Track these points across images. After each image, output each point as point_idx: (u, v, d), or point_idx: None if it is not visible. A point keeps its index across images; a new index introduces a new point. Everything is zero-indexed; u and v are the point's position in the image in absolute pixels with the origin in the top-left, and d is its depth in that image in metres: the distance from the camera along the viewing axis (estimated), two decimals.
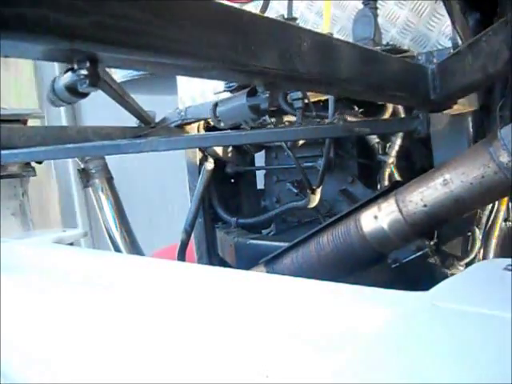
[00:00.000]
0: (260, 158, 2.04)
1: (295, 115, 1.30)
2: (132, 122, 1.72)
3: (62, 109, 4.33)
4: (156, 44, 0.47)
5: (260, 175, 2.06)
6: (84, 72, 0.43)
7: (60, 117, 4.26)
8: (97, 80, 0.44)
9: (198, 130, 1.94)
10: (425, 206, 0.99)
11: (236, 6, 0.56)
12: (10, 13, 0.38)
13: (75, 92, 0.45)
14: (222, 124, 0.86)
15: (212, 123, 1.84)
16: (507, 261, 0.63)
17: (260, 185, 2.07)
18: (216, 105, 0.82)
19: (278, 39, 0.63)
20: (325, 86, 0.77)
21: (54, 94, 0.47)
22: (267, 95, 0.63)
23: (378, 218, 1.06)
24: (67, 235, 1.61)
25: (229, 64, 0.55)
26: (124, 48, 0.45)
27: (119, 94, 1.22)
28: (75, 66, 0.44)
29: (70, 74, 0.45)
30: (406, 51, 1.25)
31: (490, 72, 0.83)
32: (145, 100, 1.69)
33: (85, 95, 0.47)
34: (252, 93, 0.68)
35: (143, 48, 0.46)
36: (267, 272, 1.35)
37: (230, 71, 0.56)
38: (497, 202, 1.20)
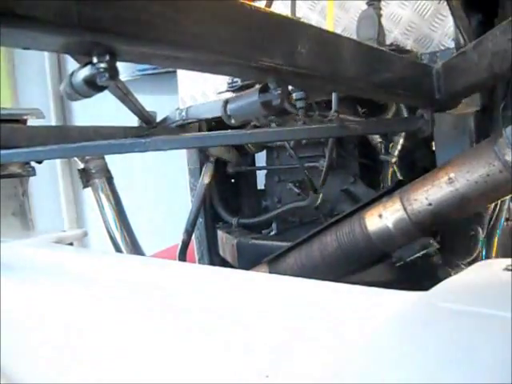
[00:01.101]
0: (260, 158, 2.04)
1: (298, 115, 1.31)
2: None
3: (52, 111, 4.29)
4: (174, 38, 0.47)
5: (260, 175, 2.07)
6: (103, 65, 0.44)
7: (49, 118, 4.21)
8: (116, 73, 0.44)
9: (199, 130, 1.95)
10: (430, 204, 1.00)
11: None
12: (32, 4, 0.38)
13: (94, 85, 0.46)
14: (232, 121, 0.86)
15: (214, 123, 1.86)
16: (507, 261, 0.63)
17: (260, 185, 2.07)
18: (227, 102, 0.82)
19: (290, 36, 0.63)
20: (333, 83, 0.78)
21: (72, 88, 0.47)
22: (279, 92, 0.63)
23: (382, 217, 1.07)
24: (67, 235, 1.60)
25: (243, 60, 0.55)
26: (143, 42, 0.45)
27: (123, 93, 1.22)
28: (94, 60, 0.44)
29: (89, 67, 0.45)
30: (409, 51, 1.25)
31: (496, 72, 0.84)
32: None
33: (103, 88, 0.47)
34: (264, 89, 0.69)
35: (162, 42, 0.47)
36: (270, 271, 1.35)
37: (243, 67, 0.56)
38: (499, 202, 1.21)
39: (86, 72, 0.45)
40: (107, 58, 0.44)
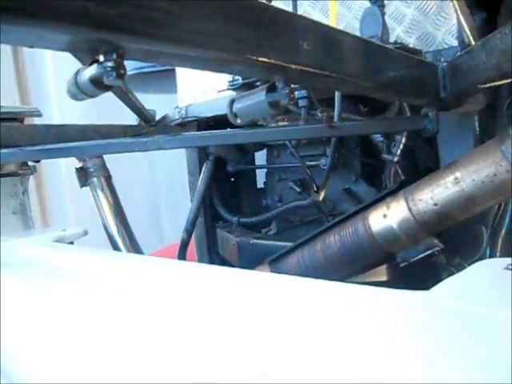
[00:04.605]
0: (259, 157, 2.03)
1: (300, 114, 1.30)
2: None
3: None
4: (183, 36, 0.46)
5: (260, 174, 2.05)
6: (111, 64, 0.42)
7: None
8: (124, 72, 0.43)
9: (198, 129, 1.93)
10: (435, 204, 0.99)
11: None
12: (37, 1, 0.37)
13: (100, 85, 0.44)
14: (238, 121, 0.85)
15: (213, 122, 1.85)
16: (507, 260, 0.63)
17: (260, 183, 2.06)
18: (233, 101, 0.81)
19: (297, 33, 0.62)
20: (339, 82, 0.76)
21: (77, 87, 0.45)
22: (287, 91, 0.62)
23: (387, 217, 1.06)
24: (68, 234, 1.59)
25: (251, 58, 0.54)
26: (151, 40, 0.44)
27: (123, 91, 1.21)
28: (101, 58, 0.43)
29: (95, 66, 0.43)
30: (413, 49, 1.24)
31: (505, 70, 0.83)
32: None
33: (109, 88, 0.45)
34: (271, 89, 0.67)
35: (170, 40, 0.45)
36: (271, 271, 1.34)
37: (252, 66, 0.55)
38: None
39: (92, 71, 0.43)
40: (114, 56, 0.42)
